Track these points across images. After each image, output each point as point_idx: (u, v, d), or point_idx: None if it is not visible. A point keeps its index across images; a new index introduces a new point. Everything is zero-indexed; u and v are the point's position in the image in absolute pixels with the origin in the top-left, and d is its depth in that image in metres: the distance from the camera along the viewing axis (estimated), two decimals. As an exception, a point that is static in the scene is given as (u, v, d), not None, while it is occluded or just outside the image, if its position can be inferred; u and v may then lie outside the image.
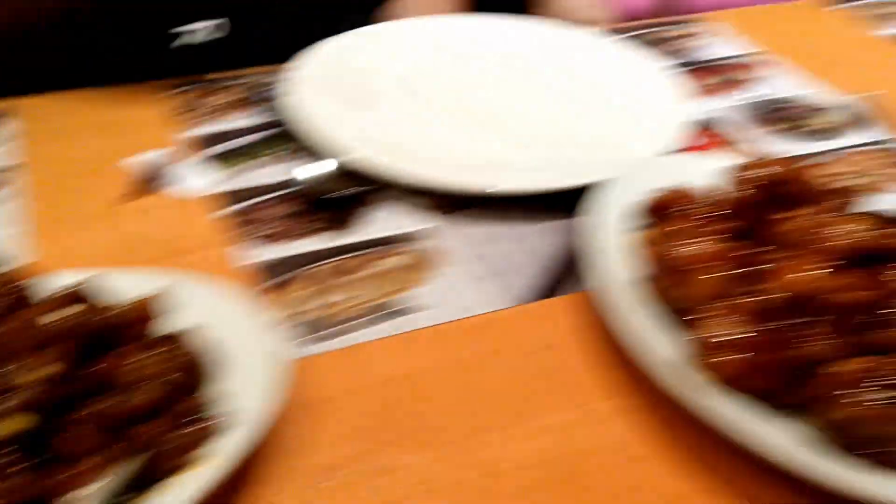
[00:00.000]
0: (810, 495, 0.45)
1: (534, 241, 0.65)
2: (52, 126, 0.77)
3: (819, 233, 0.53)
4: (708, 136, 0.78)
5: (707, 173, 0.62)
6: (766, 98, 0.85)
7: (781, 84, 0.88)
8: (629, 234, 0.59)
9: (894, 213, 0.56)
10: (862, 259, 0.52)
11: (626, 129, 0.77)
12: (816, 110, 0.83)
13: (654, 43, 0.96)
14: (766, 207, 0.56)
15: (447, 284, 0.61)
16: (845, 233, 0.52)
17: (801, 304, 0.49)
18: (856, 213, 0.55)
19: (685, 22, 1.01)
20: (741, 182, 0.57)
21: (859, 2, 1.09)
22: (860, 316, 0.49)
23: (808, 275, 0.49)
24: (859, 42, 1.01)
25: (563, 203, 0.66)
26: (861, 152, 0.77)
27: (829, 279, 0.49)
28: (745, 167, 0.58)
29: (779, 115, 0.82)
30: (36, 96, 0.81)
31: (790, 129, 0.80)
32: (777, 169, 0.57)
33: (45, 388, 0.42)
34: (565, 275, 0.62)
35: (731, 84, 0.88)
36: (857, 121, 0.82)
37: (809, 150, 0.77)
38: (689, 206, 0.58)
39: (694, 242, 0.54)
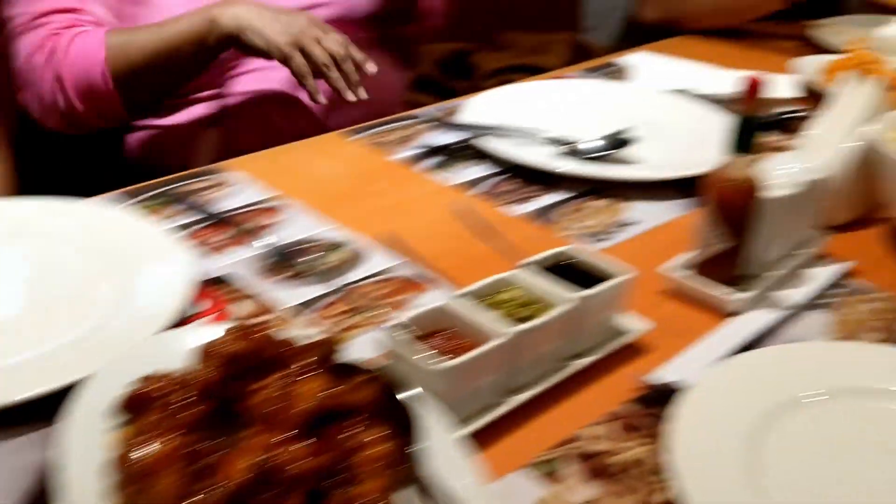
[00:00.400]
0: None
1: (9, 461, 0.59)
2: None
3: (278, 402, 0.53)
4: (219, 296, 0.78)
5: (198, 349, 0.60)
6: (279, 244, 0.87)
7: (296, 227, 0.91)
8: (107, 436, 0.55)
9: (356, 363, 0.58)
10: (321, 420, 0.53)
11: (129, 308, 0.73)
12: (328, 249, 0.87)
13: (177, 199, 0.95)
14: (240, 382, 0.55)
15: None
16: (300, 398, 0.53)
17: (258, 487, 0.48)
18: (315, 373, 0.56)
19: (204, 174, 1.02)
20: (208, 360, 0.56)
21: (375, 129, 1.18)
22: (320, 482, 0.50)
23: (257, 455, 0.49)
24: (376, 169, 1.08)
25: (50, 409, 0.61)
26: (369, 284, 0.81)
27: (282, 452, 0.49)
28: (212, 344, 0.57)
29: (291, 260, 0.84)
30: None
31: (302, 273, 0.82)
32: (239, 344, 0.56)
33: None
34: (43, 497, 0.56)
35: (246, 235, 0.88)
36: (366, 252, 0.86)
37: (321, 291, 0.79)
38: (163, 396, 0.56)
39: (156, 440, 0.51)
